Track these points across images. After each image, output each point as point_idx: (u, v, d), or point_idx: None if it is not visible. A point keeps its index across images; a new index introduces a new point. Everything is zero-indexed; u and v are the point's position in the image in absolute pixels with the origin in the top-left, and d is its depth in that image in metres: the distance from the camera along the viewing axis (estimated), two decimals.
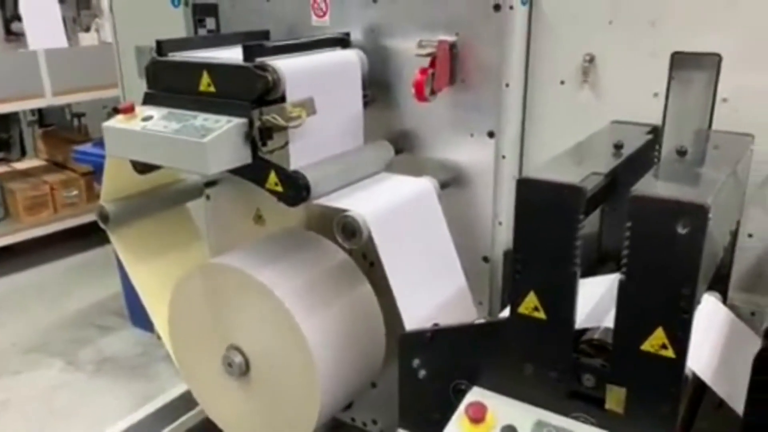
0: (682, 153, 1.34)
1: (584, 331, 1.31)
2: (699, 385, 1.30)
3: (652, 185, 1.18)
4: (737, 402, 1.19)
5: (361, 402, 2.24)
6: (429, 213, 1.80)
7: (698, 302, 1.21)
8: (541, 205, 1.20)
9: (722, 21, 1.52)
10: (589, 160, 1.38)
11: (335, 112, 1.76)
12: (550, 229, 1.20)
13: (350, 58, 1.84)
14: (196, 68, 1.68)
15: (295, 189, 1.61)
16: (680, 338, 1.13)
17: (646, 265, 1.12)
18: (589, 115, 1.71)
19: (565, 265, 1.21)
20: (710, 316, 1.41)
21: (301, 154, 1.65)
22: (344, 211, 1.60)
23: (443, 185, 1.87)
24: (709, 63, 1.55)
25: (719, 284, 1.58)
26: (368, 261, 1.93)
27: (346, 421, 2.35)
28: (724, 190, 1.29)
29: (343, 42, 1.90)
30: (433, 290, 1.74)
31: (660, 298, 1.12)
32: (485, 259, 1.93)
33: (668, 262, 1.09)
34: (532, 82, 1.79)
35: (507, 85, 1.77)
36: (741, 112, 1.54)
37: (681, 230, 1.07)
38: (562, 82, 1.75)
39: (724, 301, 1.58)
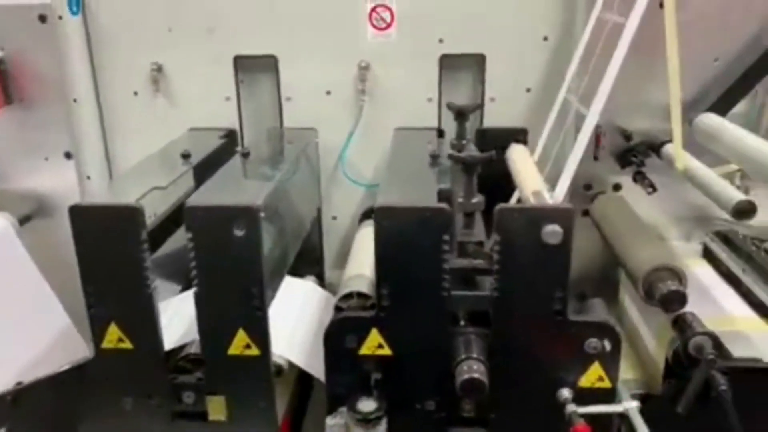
0: (245, 155, 1.39)
1: (184, 347, 1.28)
2: (303, 371, 1.36)
3: (205, 194, 1.18)
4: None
5: None
6: (7, 254, 1.56)
7: (272, 296, 1.26)
8: (98, 230, 1.12)
9: (271, 26, 1.61)
10: (155, 174, 1.34)
11: None
12: (113, 255, 1.13)
13: None
14: None
15: None
16: (260, 334, 1.16)
17: (213, 272, 1.12)
18: (169, 124, 1.67)
19: (139, 289, 1.15)
20: (305, 301, 1.50)
21: None
22: None
23: (23, 220, 1.65)
24: (268, 64, 1.64)
25: (315, 267, 1.70)
26: None
27: None
28: (289, 183, 1.37)
29: None
30: (27, 340, 1.52)
31: (233, 301, 1.13)
32: None
33: (232, 265, 1.11)
34: (105, 96, 1.68)
35: (75, 101, 1.63)
36: (304, 109, 1.66)
37: (238, 233, 1.09)
38: (136, 93, 1.68)
39: (322, 282, 1.71)
